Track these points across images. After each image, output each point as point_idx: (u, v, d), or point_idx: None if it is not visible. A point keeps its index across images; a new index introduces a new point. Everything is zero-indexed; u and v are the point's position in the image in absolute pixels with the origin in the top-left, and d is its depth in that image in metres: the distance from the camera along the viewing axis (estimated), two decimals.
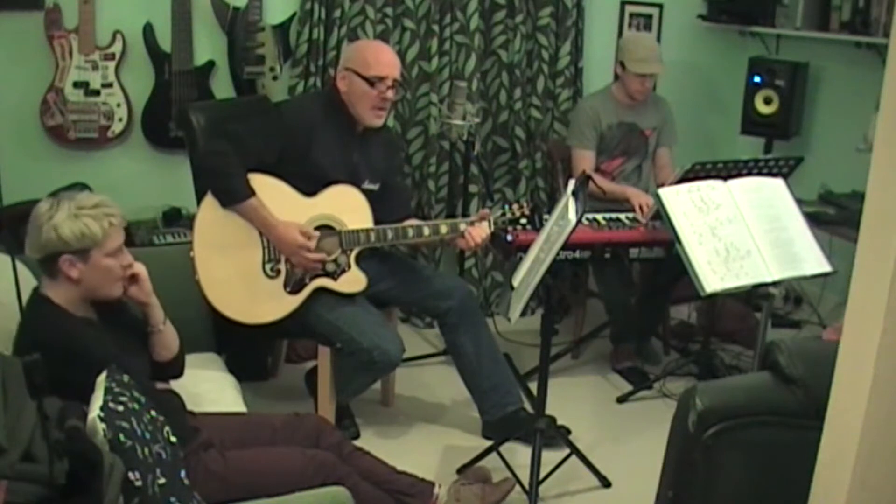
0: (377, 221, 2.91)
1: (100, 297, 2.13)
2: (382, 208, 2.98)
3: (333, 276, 2.87)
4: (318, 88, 3.83)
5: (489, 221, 2.95)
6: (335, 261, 2.86)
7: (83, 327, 2.08)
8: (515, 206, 3.00)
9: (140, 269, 2.20)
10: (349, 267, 2.88)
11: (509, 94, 4.19)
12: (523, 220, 2.97)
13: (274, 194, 2.79)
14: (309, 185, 2.84)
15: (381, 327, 2.90)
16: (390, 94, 2.89)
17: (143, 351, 2.24)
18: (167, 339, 2.28)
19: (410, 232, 2.92)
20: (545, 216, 2.79)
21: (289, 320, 2.83)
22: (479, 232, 2.91)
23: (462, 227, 2.92)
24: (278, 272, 2.83)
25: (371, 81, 2.85)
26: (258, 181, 2.76)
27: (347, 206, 2.87)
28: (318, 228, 2.84)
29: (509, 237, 2.97)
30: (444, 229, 2.94)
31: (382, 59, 2.90)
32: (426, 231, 2.93)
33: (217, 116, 3.12)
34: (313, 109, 2.94)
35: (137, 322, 2.27)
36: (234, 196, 2.74)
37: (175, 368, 2.33)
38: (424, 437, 3.20)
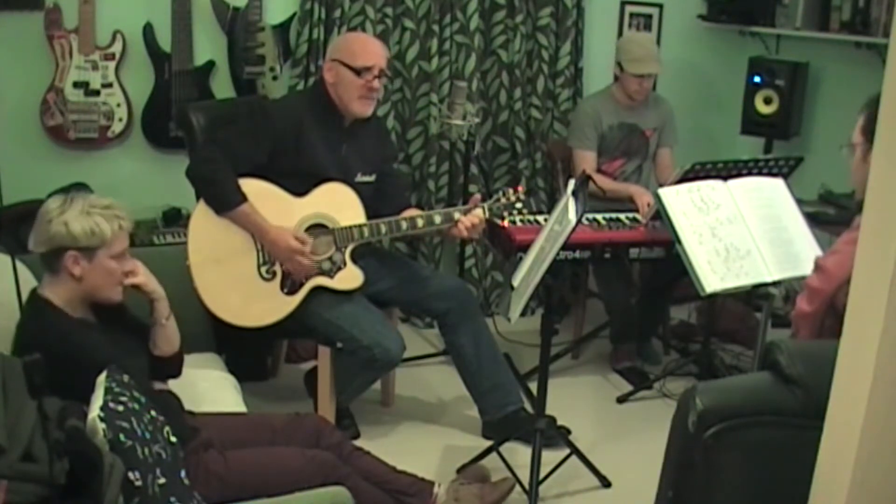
0: (376, 214, 2.90)
1: (98, 299, 2.13)
2: (380, 201, 2.98)
3: (330, 274, 2.86)
4: None
5: (483, 208, 2.93)
6: (330, 259, 2.86)
7: (81, 329, 2.09)
8: (511, 191, 2.99)
9: (141, 279, 2.20)
10: (345, 264, 2.87)
11: (509, 94, 4.19)
12: (518, 205, 2.96)
13: (264, 198, 2.79)
14: (300, 183, 2.84)
15: (382, 325, 2.90)
16: (377, 83, 2.90)
17: (141, 352, 2.24)
18: (169, 332, 2.28)
19: (404, 224, 2.90)
20: (545, 215, 2.79)
21: (288, 321, 2.84)
22: (472, 218, 2.90)
23: (456, 215, 2.91)
24: (274, 274, 2.83)
25: (358, 71, 2.86)
26: (248, 186, 2.77)
27: (339, 204, 2.87)
28: (310, 227, 2.84)
29: (505, 223, 2.97)
30: (437, 219, 2.92)
31: (369, 48, 2.92)
32: (420, 222, 2.91)
33: (217, 116, 3.12)
34: (299, 106, 2.94)
35: (136, 323, 2.28)
36: (227, 203, 2.75)
37: (174, 367, 2.33)
38: (424, 437, 3.20)
